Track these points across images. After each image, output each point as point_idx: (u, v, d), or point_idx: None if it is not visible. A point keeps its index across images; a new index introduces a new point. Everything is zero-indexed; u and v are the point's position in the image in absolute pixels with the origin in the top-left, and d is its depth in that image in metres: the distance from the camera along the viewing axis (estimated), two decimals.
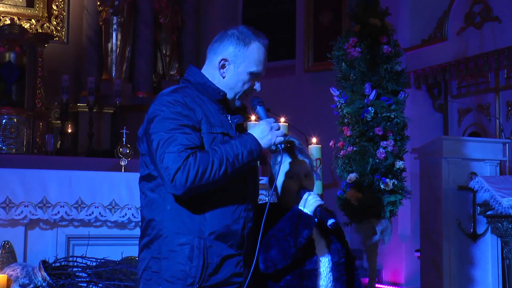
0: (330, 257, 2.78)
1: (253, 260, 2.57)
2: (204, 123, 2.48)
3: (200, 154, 2.37)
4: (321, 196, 4.93)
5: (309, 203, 2.68)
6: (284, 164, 2.81)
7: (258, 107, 2.61)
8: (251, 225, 2.56)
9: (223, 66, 2.58)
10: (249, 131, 2.53)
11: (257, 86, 2.62)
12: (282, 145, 2.56)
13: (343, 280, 2.81)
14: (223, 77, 2.59)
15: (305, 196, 2.71)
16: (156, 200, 2.51)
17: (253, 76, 2.58)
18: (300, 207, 2.69)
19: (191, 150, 2.37)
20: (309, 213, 2.67)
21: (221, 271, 2.47)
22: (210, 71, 2.61)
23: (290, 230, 2.63)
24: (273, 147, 2.58)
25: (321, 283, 2.73)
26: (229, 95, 2.59)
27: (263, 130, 2.51)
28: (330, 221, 2.63)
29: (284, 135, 2.57)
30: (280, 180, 2.83)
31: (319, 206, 2.68)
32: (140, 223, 2.66)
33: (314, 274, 2.71)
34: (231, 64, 2.57)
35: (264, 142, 2.50)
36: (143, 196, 2.58)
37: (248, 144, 2.45)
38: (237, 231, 2.50)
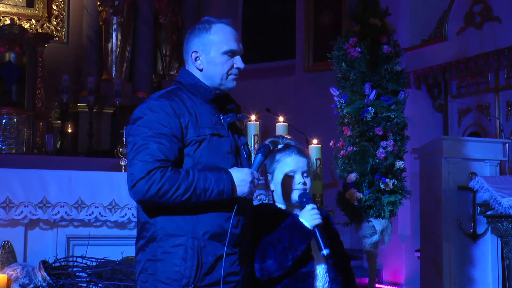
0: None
1: (248, 259, 2.59)
2: (192, 127, 2.47)
3: (170, 173, 2.37)
4: (320, 196, 4.94)
5: (311, 217, 2.68)
6: (283, 162, 2.84)
7: (258, 155, 2.59)
8: (244, 223, 2.56)
9: (196, 59, 2.60)
10: (232, 171, 2.49)
11: (238, 63, 2.60)
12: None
13: (339, 281, 2.84)
14: (201, 70, 2.60)
15: (308, 207, 2.71)
16: None
17: (228, 55, 2.58)
18: (301, 219, 2.69)
19: (159, 163, 2.37)
20: (309, 227, 2.67)
21: (216, 271, 2.47)
22: (192, 70, 2.62)
23: (288, 243, 2.64)
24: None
25: (317, 284, 2.75)
26: (215, 83, 2.59)
27: (243, 179, 2.48)
28: (326, 251, 2.65)
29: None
30: (278, 177, 2.84)
31: (319, 225, 2.68)
32: None
33: (311, 276, 2.74)
34: (202, 54, 2.58)
35: (239, 190, 2.47)
36: None
37: (222, 184, 2.43)
38: (231, 229, 2.50)
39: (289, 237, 2.64)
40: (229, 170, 2.49)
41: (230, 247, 2.50)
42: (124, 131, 6.15)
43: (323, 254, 2.65)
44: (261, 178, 2.56)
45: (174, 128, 2.44)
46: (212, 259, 2.47)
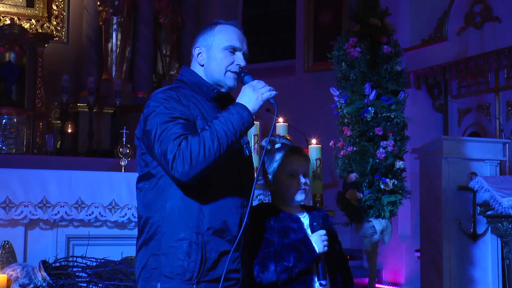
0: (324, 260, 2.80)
1: (249, 258, 2.60)
2: (200, 119, 2.50)
3: (191, 136, 2.38)
4: (320, 196, 4.94)
5: (322, 244, 2.70)
6: (284, 161, 2.83)
7: (245, 77, 2.59)
8: (246, 222, 2.56)
9: (198, 55, 2.64)
10: (237, 101, 2.52)
11: (239, 60, 2.61)
12: (273, 100, 2.52)
13: (338, 280, 2.86)
14: (202, 65, 2.63)
15: (321, 232, 2.72)
16: (154, 198, 2.52)
17: (229, 50, 2.60)
18: (312, 241, 2.70)
19: (182, 136, 2.38)
20: (317, 250, 2.69)
21: (219, 267, 2.47)
22: (194, 67, 2.66)
23: (293, 264, 2.66)
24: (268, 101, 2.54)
25: (316, 286, 2.75)
26: (215, 79, 2.61)
27: (246, 93, 2.50)
28: (323, 282, 2.71)
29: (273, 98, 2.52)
30: (278, 177, 2.84)
31: (324, 254, 2.71)
32: None
33: (309, 278, 2.74)
34: (204, 49, 2.62)
35: (252, 104, 2.48)
36: (141, 194, 2.58)
37: (235, 112, 2.44)
38: (234, 226, 2.51)
39: (295, 258, 2.66)
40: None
41: (232, 244, 2.50)
42: (124, 131, 6.15)
43: (320, 283, 2.70)
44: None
45: (187, 113, 2.47)
46: (215, 255, 2.47)
